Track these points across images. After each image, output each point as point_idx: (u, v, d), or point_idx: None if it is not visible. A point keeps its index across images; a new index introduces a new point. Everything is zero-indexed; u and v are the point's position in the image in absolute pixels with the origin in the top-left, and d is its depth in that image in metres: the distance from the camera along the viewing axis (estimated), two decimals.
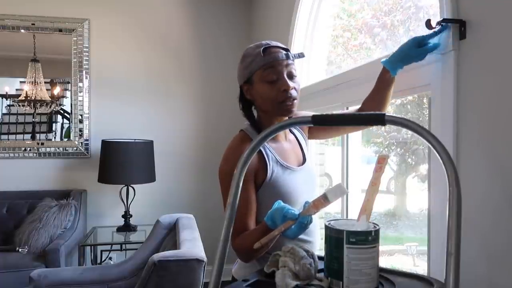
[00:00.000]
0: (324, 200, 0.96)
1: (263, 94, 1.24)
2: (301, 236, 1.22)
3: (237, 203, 0.82)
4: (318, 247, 1.32)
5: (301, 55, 1.28)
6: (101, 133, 3.53)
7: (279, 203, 1.06)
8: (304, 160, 1.36)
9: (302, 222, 0.99)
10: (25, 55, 3.45)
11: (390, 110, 2.01)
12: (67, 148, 3.53)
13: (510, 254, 1.01)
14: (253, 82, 1.26)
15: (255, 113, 1.34)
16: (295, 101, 1.25)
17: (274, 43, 1.27)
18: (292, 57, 1.25)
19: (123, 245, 3.11)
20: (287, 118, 1.27)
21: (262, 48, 1.24)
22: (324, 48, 2.58)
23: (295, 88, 1.25)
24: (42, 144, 3.51)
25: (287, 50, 1.26)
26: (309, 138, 1.48)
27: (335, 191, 0.95)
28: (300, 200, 1.22)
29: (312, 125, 0.84)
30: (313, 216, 1.32)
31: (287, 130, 1.37)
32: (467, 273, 1.09)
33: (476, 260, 1.10)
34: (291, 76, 1.24)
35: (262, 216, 1.10)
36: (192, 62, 3.74)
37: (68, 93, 3.55)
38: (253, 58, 1.24)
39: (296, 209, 1.03)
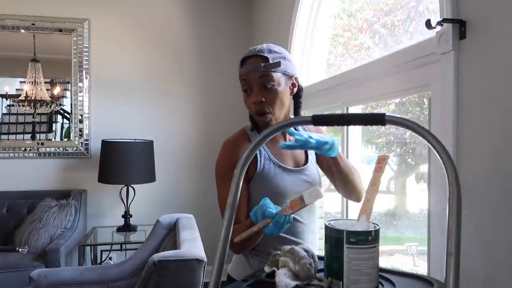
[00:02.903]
0: (300, 201, 0.99)
1: (244, 102, 1.29)
2: (288, 236, 1.26)
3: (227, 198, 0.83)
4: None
5: (272, 65, 1.21)
6: (101, 133, 3.53)
7: (264, 200, 1.08)
8: (305, 164, 1.36)
9: (278, 221, 1.02)
10: (25, 55, 3.45)
11: (390, 109, 2.01)
12: (67, 148, 3.53)
13: (509, 252, 1.01)
14: None
15: None
16: (269, 115, 1.23)
17: (259, 49, 1.24)
18: (263, 68, 1.20)
19: (123, 245, 3.11)
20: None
21: (241, 59, 1.27)
22: (324, 48, 2.58)
23: (267, 100, 1.22)
24: (42, 144, 3.51)
25: (265, 58, 1.21)
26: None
27: (310, 194, 0.98)
28: None
29: (312, 125, 0.85)
30: (311, 216, 1.33)
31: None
32: (466, 268, 1.10)
33: (474, 257, 1.10)
34: (264, 87, 1.22)
35: None
36: (192, 63, 3.74)
37: (68, 93, 3.55)
38: (239, 66, 1.28)
39: (276, 208, 1.05)
